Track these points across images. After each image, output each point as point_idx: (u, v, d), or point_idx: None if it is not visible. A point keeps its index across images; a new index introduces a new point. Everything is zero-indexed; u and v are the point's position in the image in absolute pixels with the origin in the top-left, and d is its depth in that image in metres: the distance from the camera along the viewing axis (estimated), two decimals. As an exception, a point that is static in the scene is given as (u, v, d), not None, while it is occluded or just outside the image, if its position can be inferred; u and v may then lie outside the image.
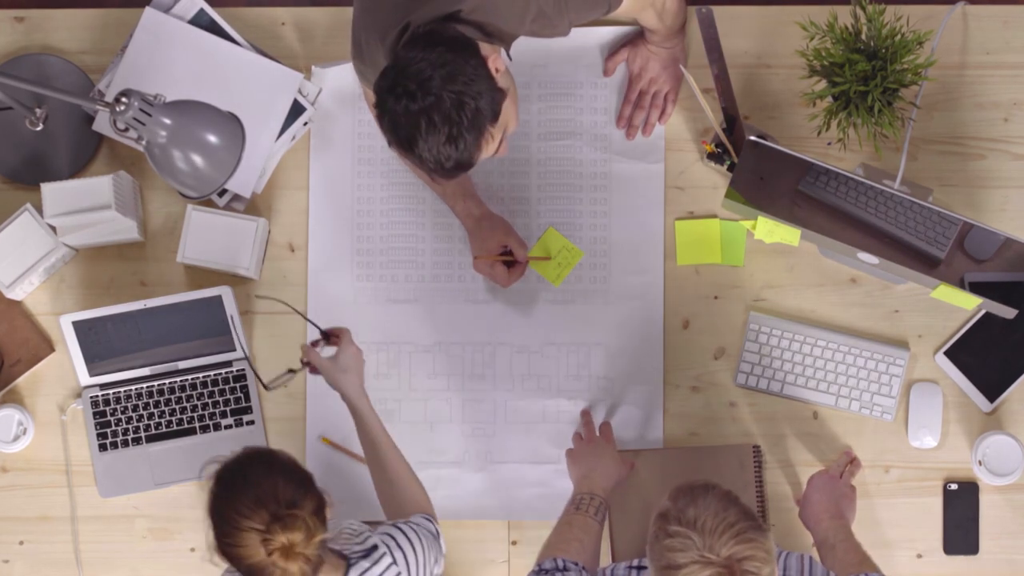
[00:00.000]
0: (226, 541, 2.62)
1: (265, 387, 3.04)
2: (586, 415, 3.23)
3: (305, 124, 3.30)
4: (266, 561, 2.60)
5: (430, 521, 2.91)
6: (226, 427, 3.26)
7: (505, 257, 3.22)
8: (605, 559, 3.23)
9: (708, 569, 2.47)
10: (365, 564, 2.78)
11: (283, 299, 3.28)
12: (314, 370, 3.01)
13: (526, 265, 3.24)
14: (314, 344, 3.02)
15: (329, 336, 3.03)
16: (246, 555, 2.61)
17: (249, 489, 2.61)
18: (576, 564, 2.87)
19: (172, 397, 3.26)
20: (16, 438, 3.26)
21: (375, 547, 2.80)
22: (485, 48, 2.79)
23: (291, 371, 3.06)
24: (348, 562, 2.77)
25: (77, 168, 3.30)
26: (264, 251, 3.29)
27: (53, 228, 3.21)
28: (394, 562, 2.80)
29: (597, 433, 3.21)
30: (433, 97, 2.68)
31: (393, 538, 2.82)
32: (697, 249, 3.28)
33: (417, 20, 2.77)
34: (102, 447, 3.26)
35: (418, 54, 2.70)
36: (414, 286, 3.30)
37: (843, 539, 2.97)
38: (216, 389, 3.26)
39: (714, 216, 3.30)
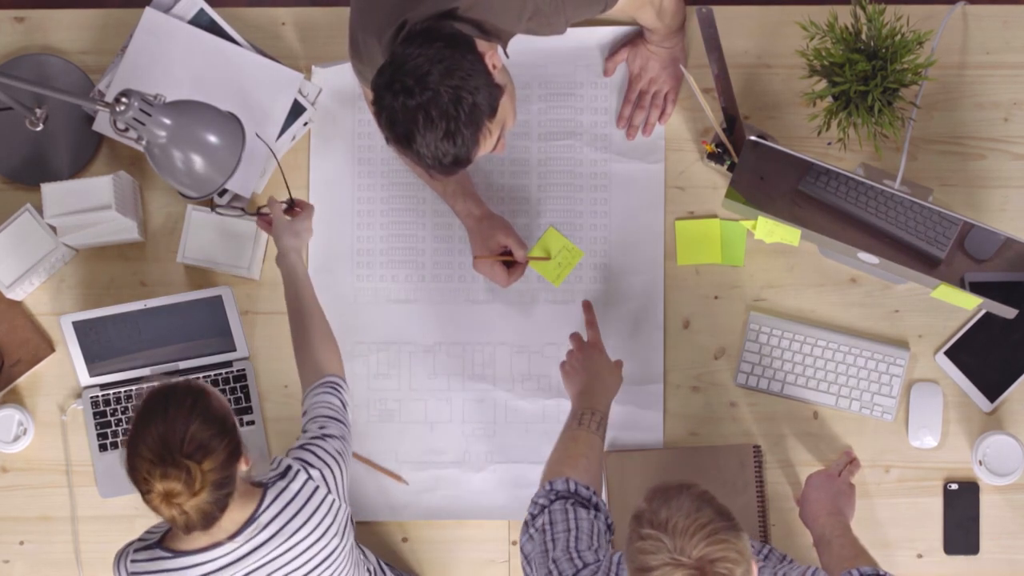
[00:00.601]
0: (127, 463, 2.68)
1: (212, 208, 3.14)
2: (574, 337, 3.21)
3: (305, 124, 3.30)
4: (146, 498, 2.66)
5: (337, 390, 2.95)
6: (226, 427, 3.26)
7: (505, 257, 3.22)
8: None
9: (679, 571, 2.45)
10: (281, 484, 2.82)
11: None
12: (263, 222, 3.12)
13: (526, 265, 3.24)
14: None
15: (294, 206, 3.10)
16: (136, 481, 2.67)
17: (160, 423, 2.66)
18: (588, 488, 2.85)
19: (172, 397, 3.26)
20: (16, 438, 3.26)
21: (289, 467, 2.84)
22: (482, 45, 2.79)
23: (243, 210, 3.18)
24: (265, 487, 2.81)
25: (77, 168, 3.30)
26: (264, 251, 3.29)
27: (53, 228, 3.21)
28: (310, 477, 2.83)
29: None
30: (431, 92, 2.68)
31: (303, 459, 2.85)
32: (697, 249, 3.28)
33: (414, 18, 2.77)
34: (102, 447, 3.26)
35: (415, 50, 2.70)
36: (414, 286, 3.30)
37: (839, 535, 2.97)
38: (216, 389, 3.26)
39: (714, 216, 3.30)
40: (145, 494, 2.65)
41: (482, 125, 2.73)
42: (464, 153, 2.74)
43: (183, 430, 2.64)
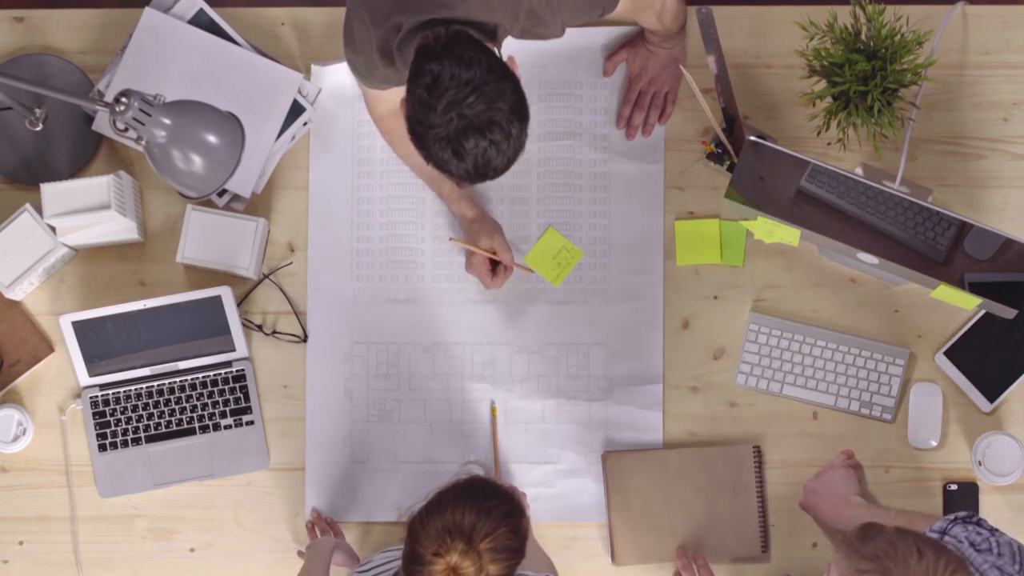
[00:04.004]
0: (423, 525, 2.60)
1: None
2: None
3: (305, 124, 3.30)
4: (430, 565, 2.59)
5: None
6: (226, 427, 3.26)
7: (489, 254, 3.21)
8: (603, 559, 3.23)
9: None
10: None
11: (289, 298, 3.28)
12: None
13: (511, 271, 3.23)
14: None
15: None
16: (423, 544, 2.59)
17: (476, 512, 2.60)
18: None
19: (172, 397, 3.26)
20: (16, 438, 3.26)
21: None
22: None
23: None
24: None
25: (77, 168, 3.30)
26: (264, 251, 3.29)
27: (53, 228, 3.21)
28: None
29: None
30: (500, 131, 2.72)
31: None
32: (697, 249, 3.28)
33: (409, 21, 2.77)
34: (102, 447, 3.26)
35: (459, 71, 2.69)
36: (413, 286, 3.30)
37: (872, 515, 2.91)
38: (216, 389, 3.26)
39: (714, 216, 3.30)
40: (431, 561, 2.57)
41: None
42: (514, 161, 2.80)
43: (492, 530, 2.58)
